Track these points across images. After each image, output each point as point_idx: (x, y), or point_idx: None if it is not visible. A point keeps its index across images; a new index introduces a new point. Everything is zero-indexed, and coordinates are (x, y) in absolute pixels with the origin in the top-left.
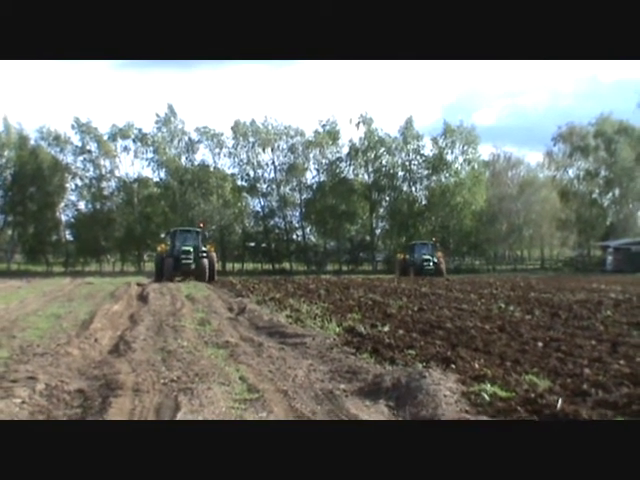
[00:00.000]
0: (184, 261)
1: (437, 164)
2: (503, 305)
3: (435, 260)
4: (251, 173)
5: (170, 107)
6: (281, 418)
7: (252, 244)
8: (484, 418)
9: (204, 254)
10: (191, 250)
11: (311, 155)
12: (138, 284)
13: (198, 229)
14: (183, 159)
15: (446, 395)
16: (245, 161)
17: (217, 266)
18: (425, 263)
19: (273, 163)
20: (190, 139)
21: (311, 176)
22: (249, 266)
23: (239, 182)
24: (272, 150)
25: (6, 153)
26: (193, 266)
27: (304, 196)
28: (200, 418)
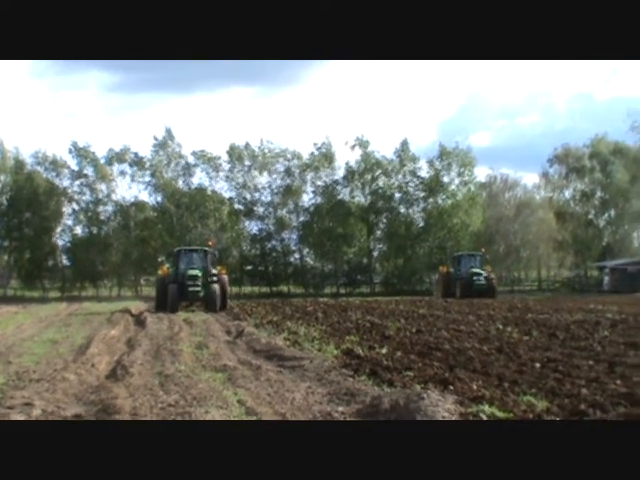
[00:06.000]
0: (191, 288)
1: (433, 186)
2: (501, 326)
3: (486, 274)
4: (248, 196)
5: (168, 131)
6: None
7: (249, 267)
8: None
9: (214, 278)
10: (199, 275)
11: (308, 178)
12: (132, 314)
13: (206, 248)
14: (180, 183)
15: (444, 416)
16: (242, 184)
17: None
18: (475, 278)
19: (270, 186)
20: (187, 163)
21: (308, 199)
22: (247, 289)
23: (236, 205)
24: (268, 173)
25: (2, 178)
26: (202, 293)
27: (301, 219)
28: None
